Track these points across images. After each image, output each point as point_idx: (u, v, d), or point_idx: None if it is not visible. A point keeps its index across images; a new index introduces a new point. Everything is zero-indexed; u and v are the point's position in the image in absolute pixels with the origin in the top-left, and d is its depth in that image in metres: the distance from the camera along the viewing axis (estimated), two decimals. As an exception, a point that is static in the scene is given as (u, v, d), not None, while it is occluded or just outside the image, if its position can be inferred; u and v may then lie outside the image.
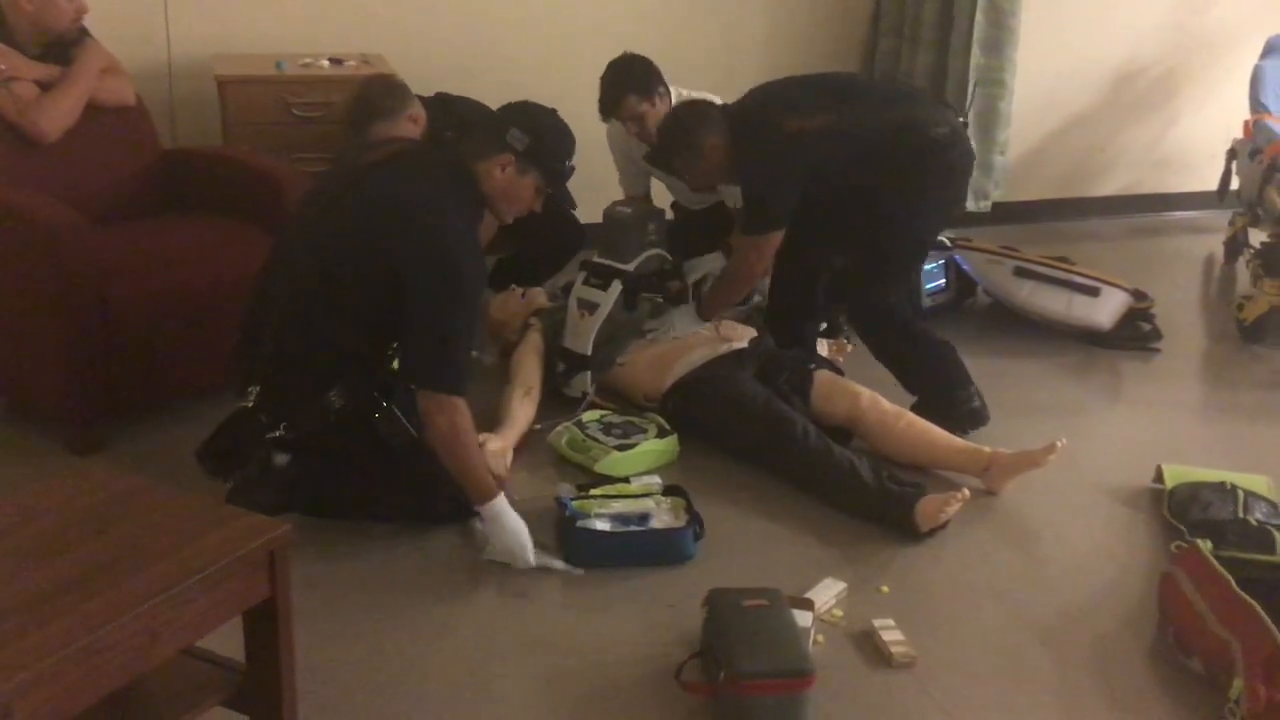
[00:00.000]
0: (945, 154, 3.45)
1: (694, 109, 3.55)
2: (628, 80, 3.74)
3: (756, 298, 4.15)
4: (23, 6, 3.44)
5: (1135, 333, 4.32)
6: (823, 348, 3.89)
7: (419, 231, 2.66)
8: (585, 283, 3.67)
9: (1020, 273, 4.40)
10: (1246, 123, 4.81)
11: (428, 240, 2.66)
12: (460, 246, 2.69)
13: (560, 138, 2.91)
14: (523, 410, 3.38)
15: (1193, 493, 3.13)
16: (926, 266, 4.47)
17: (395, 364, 2.91)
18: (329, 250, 2.74)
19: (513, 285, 4.03)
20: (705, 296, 3.75)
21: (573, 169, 2.96)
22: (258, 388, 2.75)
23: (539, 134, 2.83)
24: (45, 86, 3.46)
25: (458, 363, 2.70)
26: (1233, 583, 2.49)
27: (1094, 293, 4.31)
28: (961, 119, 3.70)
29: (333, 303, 2.73)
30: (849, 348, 3.95)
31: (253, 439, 2.73)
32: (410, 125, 3.75)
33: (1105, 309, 4.29)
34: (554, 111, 2.95)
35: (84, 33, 3.60)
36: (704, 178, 3.62)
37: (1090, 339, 4.29)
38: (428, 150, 3.20)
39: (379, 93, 3.71)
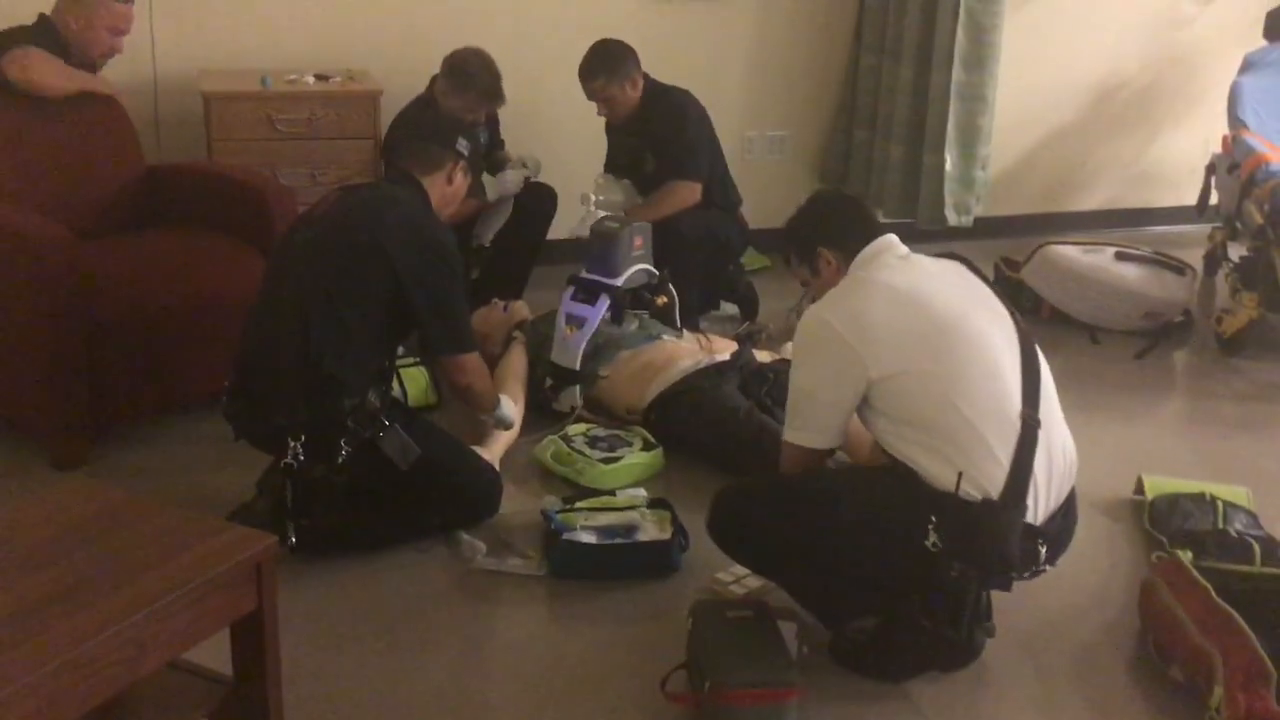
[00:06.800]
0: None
1: (624, 46, 4.05)
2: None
3: (746, 324, 4.19)
4: (70, 25, 3.54)
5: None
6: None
7: (400, 222, 2.86)
8: (573, 298, 3.68)
9: (1121, 257, 4.60)
10: (1225, 138, 4.84)
11: (408, 227, 2.86)
12: (435, 227, 2.95)
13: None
14: (508, 423, 3.39)
15: (1173, 504, 3.15)
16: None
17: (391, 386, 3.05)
18: (328, 273, 2.80)
19: (495, 299, 4.04)
20: (635, 209, 4.04)
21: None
22: (300, 440, 2.74)
23: (473, 136, 3.17)
24: None
25: (461, 325, 2.97)
26: (1212, 592, 2.51)
27: (1181, 271, 4.57)
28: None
29: (341, 318, 2.77)
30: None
31: (324, 489, 2.81)
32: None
33: (1191, 287, 4.57)
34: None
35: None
36: (621, 107, 4.07)
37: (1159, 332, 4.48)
38: (383, 180, 3.41)
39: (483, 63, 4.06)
